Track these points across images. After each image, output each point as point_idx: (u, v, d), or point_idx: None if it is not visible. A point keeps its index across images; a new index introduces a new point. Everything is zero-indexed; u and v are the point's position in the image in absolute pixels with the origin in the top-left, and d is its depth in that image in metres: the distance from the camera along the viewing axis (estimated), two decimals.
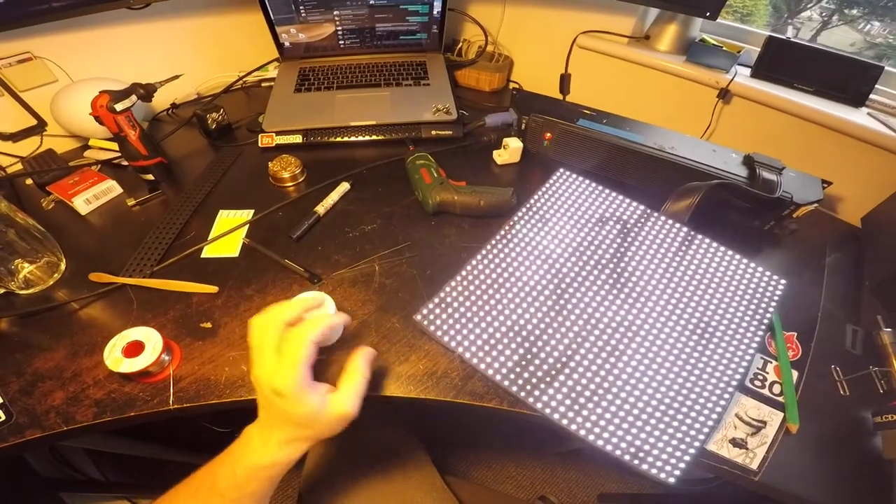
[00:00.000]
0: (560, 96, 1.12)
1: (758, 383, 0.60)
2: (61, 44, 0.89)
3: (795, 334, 0.65)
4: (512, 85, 1.23)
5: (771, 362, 0.62)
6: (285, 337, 0.44)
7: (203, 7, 1.05)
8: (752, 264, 0.66)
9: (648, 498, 1.18)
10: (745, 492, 0.54)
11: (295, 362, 0.41)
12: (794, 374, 0.62)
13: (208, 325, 0.59)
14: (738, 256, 0.67)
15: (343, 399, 0.44)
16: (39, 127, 0.92)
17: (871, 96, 0.93)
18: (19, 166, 0.86)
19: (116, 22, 0.94)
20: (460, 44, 1.19)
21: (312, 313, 0.50)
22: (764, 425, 0.57)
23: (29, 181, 0.82)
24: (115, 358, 0.51)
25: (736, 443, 0.55)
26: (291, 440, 0.43)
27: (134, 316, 0.60)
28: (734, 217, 0.80)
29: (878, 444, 0.56)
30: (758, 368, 0.62)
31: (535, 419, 0.53)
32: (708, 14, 0.91)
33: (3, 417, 0.51)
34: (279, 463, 0.43)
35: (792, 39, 0.99)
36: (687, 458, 0.50)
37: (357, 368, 0.47)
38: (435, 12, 1.05)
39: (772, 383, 0.61)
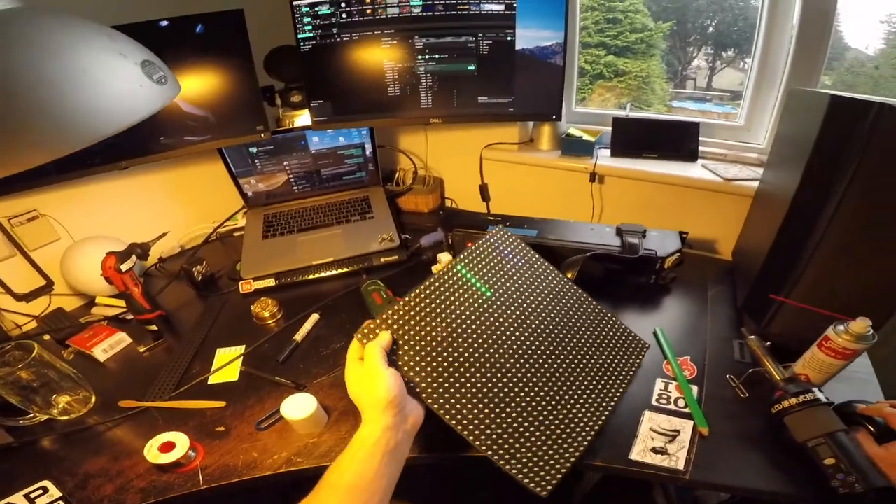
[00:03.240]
0: (484, 205, 1.29)
1: (663, 401, 0.71)
2: (58, 199, 1.01)
3: (689, 357, 0.78)
4: (447, 202, 1.40)
5: (671, 383, 0.74)
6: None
7: (174, 161, 1.17)
8: (622, 324, 0.79)
9: None
10: None
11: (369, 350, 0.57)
12: (695, 388, 0.72)
13: (222, 428, 0.73)
14: (610, 316, 0.78)
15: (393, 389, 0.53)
16: (48, 286, 1.02)
17: (703, 149, 1.07)
18: (34, 324, 0.99)
19: (104, 177, 1.05)
20: (398, 173, 1.38)
21: None
22: (678, 433, 0.66)
23: (46, 337, 0.94)
24: (153, 453, 0.65)
25: (657, 451, 0.64)
26: (382, 419, 0.52)
27: (160, 429, 0.71)
28: (626, 278, 0.95)
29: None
30: (661, 390, 0.73)
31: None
32: (554, 117, 1.09)
33: None
34: (379, 438, 0.51)
35: (630, 115, 1.13)
36: (560, 475, 0.58)
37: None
38: (367, 152, 1.24)
39: (676, 399, 0.71)
